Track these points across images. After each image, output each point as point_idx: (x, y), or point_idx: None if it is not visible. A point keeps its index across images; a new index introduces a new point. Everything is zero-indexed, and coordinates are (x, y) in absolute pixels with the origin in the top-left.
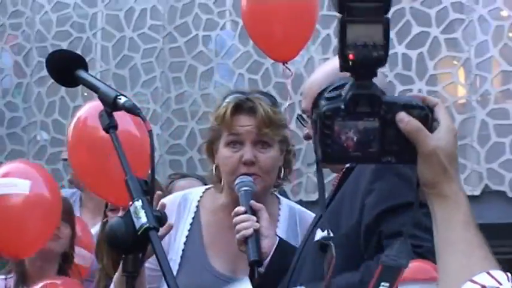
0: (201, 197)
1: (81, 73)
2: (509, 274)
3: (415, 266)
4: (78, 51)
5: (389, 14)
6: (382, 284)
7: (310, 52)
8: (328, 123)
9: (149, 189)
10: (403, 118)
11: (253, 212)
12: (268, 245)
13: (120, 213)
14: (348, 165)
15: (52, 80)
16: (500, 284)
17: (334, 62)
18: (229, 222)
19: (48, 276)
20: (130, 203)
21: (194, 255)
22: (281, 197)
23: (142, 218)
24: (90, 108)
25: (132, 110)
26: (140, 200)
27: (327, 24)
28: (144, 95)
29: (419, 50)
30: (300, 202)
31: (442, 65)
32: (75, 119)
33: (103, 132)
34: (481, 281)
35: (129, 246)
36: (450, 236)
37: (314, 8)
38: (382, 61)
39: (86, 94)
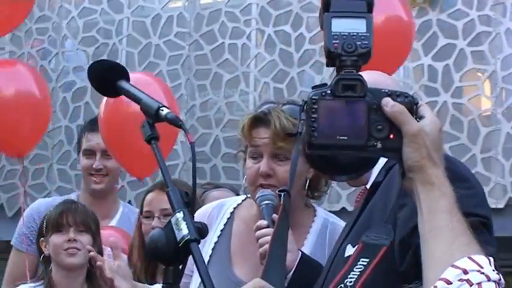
0: (238, 204)
1: (123, 83)
2: (491, 258)
3: None
4: (104, 57)
5: (416, 26)
6: (362, 259)
7: None
8: (314, 107)
9: (190, 201)
10: (388, 102)
11: None
12: (290, 260)
13: (155, 221)
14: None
15: (77, 86)
16: (482, 267)
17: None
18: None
19: (75, 285)
20: (172, 214)
21: (219, 262)
22: (319, 209)
23: (183, 230)
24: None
25: (175, 122)
26: (182, 212)
27: None
28: None
29: (445, 62)
30: None
31: (468, 78)
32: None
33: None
34: (462, 266)
35: (170, 257)
36: (435, 223)
37: None
38: (366, 49)
39: None
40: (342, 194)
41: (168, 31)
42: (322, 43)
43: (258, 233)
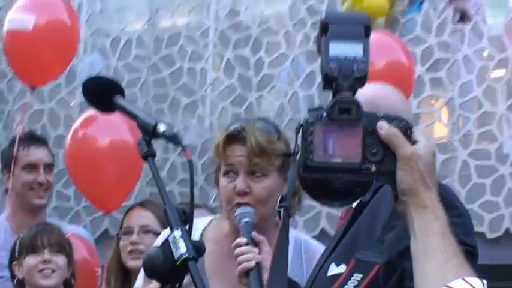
0: (206, 226)
1: (119, 99)
2: (484, 281)
3: None
4: (63, 79)
5: None
6: (355, 274)
7: (294, 88)
8: (310, 130)
9: (187, 219)
10: (383, 125)
11: (255, 243)
12: None
13: (134, 236)
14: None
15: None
16: None
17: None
18: (231, 251)
19: None
20: (169, 232)
21: None
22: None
23: (181, 248)
24: (85, 120)
25: (173, 139)
26: (179, 230)
27: (311, 61)
28: None
29: None
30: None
31: (425, 104)
32: (72, 131)
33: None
34: (456, 286)
35: (168, 276)
36: (428, 245)
37: None
38: (363, 74)
39: None
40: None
41: (126, 54)
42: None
43: (238, 250)
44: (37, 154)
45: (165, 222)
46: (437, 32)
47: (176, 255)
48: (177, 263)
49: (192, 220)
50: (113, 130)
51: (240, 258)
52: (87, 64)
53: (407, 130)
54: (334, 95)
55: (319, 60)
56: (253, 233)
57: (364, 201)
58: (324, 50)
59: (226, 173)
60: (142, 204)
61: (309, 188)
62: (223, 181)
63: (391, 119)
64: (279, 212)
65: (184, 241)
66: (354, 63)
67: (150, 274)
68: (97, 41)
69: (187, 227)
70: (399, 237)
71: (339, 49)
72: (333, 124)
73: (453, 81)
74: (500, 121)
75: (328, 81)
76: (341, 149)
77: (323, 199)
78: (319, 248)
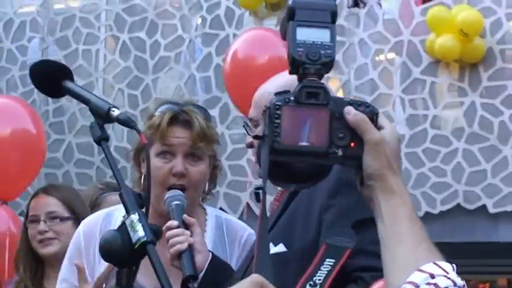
0: None
1: (68, 84)
2: (454, 265)
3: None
4: None
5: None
6: (328, 260)
7: (191, 70)
8: (277, 113)
9: (143, 203)
10: (351, 110)
11: (186, 226)
12: (202, 261)
13: (41, 224)
14: None
15: None
16: (447, 272)
17: (287, 76)
18: None
19: None
20: (126, 216)
21: None
22: (207, 207)
23: (139, 232)
24: None
25: (127, 123)
26: (136, 213)
27: (208, 43)
28: None
29: None
30: None
31: None
32: None
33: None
34: (428, 270)
35: (125, 259)
36: (397, 229)
37: None
38: (330, 59)
39: None
40: None
41: (20, 36)
42: (177, 50)
43: (169, 233)
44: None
45: (71, 207)
46: None
47: (134, 239)
48: (135, 247)
49: (149, 204)
50: (15, 119)
51: (172, 240)
52: None
53: (373, 116)
54: (301, 80)
55: (215, 42)
56: (184, 216)
57: None
58: (291, 35)
59: (161, 153)
60: (46, 191)
61: (269, 170)
62: (157, 161)
63: (357, 104)
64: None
65: (142, 225)
66: (322, 48)
67: (107, 258)
68: None
69: (143, 210)
70: (339, 215)
71: (306, 34)
72: (300, 108)
73: (349, 64)
74: (395, 103)
75: (295, 66)
76: (308, 133)
77: (282, 182)
78: (241, 226)
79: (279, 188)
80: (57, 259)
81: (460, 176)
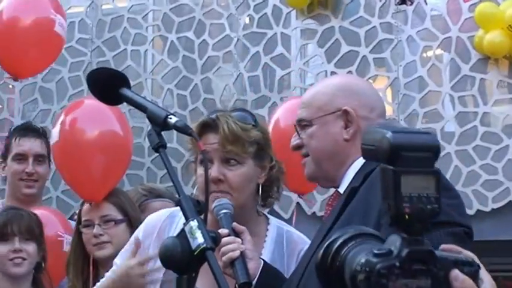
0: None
1: (126, 91)
2: None
3: None
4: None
5: (319, 33)
6: None
7: (240, 69)
8: (383, 282)
9: (202, 209)
10: (458, 276)
11: (236, 234)
12: (254, 268)
13: (96, 228)
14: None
15: None
16: None
17: (345, 79)
18: None
19: None
20: (185, 222)
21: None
22: (271, 217)
23: (198, 239)
24: (72, 109)
25: (185, 130)
26: (196, 220)
27: (256, 42)
28: None
29: (348, 68)
30: None
31: None
32: (59, 122)
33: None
34: None
35: (185, 266)
36: None
37: None
38: (436, 214)
39: None
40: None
41: (69, 37)
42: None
43: (221, 241)
44: (27, 145)
45: (124, 209)
46: (379, 13)
47: (193, 246)
48: (195, 253)
49: (207, 210)
50: (100, 121)
51: (224, 248)
52: None
53: (476, 275)
54: (402, 235)
55: (263, 41)
56: (234, 224)
57: (355, 187)
58: (395, 185)
59: (201, 162)
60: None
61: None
62: (198, 170)
63: (462, 263)
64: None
65: (201, 231)
66: (428, 202)
67: (168, 264)
68: None
69: (202, 217)
70: None
71: (411, 184)
72: (405, 274)
73: (397, 62)
74: (444, 100)
75: (400, 222)
76: None
77: None
78: (302, 239)
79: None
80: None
81: (511, 173)
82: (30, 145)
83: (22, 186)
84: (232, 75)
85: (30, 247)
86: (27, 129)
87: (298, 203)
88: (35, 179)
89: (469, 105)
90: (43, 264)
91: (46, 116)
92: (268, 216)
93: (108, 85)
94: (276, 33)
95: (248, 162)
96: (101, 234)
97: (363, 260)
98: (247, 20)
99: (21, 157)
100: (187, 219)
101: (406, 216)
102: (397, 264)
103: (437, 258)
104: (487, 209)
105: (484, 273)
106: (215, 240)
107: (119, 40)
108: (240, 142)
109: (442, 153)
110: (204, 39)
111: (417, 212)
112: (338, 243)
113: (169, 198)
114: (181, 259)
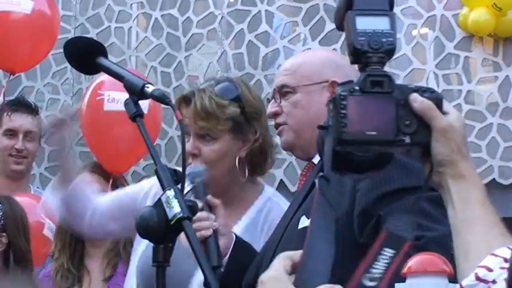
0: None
1: (103, 60)
2: None
3: (425, 258)
4: None
5: (303, 11)
6: (386, 249)
7: (224, 46)
8: (343, 103)
9: (179, 179)
10: (417, 97)
11: (210, 208)
12: (225, 244)
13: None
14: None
15: None
16: None
17: (331, 53)
18: None
19: None
20: (162, 192)
21: None
22: (268, 189)
23: (175, 208)
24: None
25: (162, 99)
26: (172, 189)
27: (241, 19)
28: (55, 86)
29: (332, 46)
30: None
31: None
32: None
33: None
34: (502, 254)
35: (161, 235)
36: (469, 215)
37: None
38: (392, 46)
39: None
40: None
41: None
42: (209, 27)
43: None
44: (18, 121)
45: (114, 184)
46: None
47: (170, 215)
48: (171, 223)
49: (184, 180)
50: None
51: (196, 225)
52: None
53: (438, 101)
54: (363, 69)
55: (247, 19)
56: (209, 197)
57: None
58: (351, 25)
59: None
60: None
61: (331, 160)
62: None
63: (422, 90)
64: (252, 171)
65: (178, 201)
66: (383, 36)
67: (144, 234)
68: None
69: (179, 186)
70: (375, 184)
71: (366, 23)
72: (366, 97)
73: None
74: (429, 78)
75: (357, 55)
76: (375, 122)
77: (342, 172)
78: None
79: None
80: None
81: (494, 152)
82: (22, 121)
83: (11, 162)
84: (216, 53)
85: None
86: (20, 105)
87: (281, 179)
88: (24, 156)
89: (453, 83)
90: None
91: (29, 93)
92: (266, 187)
93: (85, 54)
94: (260, 11)
95: (224, 137)
96: None
97: None
98: None
99: (11, 133)
100: (163, 188)
101: (363, 47)
102: (357, 87)
103: (396, 84)
104: None
105: (450, 108)
106: (192, 209)
107: (103, 17)
108: (212, 118)
109: None
110: (188, 17)
111: (372, 43)
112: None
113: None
114: (157, 229)
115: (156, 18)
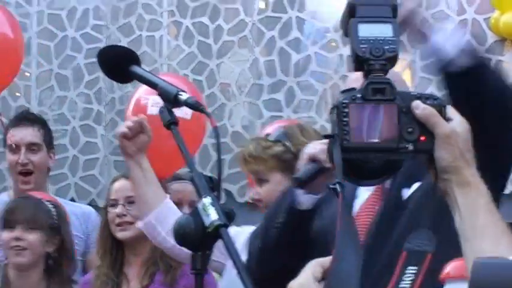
0: None
1: (136, 68)
2: None
3: (462, 263)
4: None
5: None
6: (409, 268)
7: (255, 54)
8: (345, 111)
9: (215, 186)
10: (419, 105)
11: None
12: None
13: (119, 209)
14: None
15: None
16: None
17: None
18: None
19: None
20: (198, 200)
21: None
22: None
23: (212, 215)
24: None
25: (196, 107)
26: (209, 197)
27: (271, 26)
28: (87, 95)
29: None
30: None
31: None
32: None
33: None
34: None
35: (198, 243)
36: (476, 222)
37: None
38: (394, 53)
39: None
40: None
41: (84, 23)
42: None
43: None
44: (19, 134)
45: None
46: None
47: (207, 222)
48: (208, 230)
49: (220, 187)
50: None
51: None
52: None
53: (441, 108)
54: (366, 76)
55: (278, 25)
56: None
57: None
58: (353, 32)
59: None
60: (125, 175)
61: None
62: None
63: (425, 97)
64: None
65: (215, 208)
66: (385, 43)
67: (181, 242)
68: (53, 12)
69: (215, 193)
70: None
71: (368, 30)
72: (367, 104)
73: (413, 45)
74: None
75: (360, 63)
76: (377, 130)
77: (353, 179)
78: None
79: None
80: (137, 243)
81: None
82: (22, 134)
83: (19, 181)
84: (247, 60)
85: (29, 236)
86: (20, 118)
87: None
88: (30, 170)
89: None
90: (59, 260)
91: (62, 102)
92: None
93: (118, 63)
94: (291, 17)
95: (274, 177)
96: (124, 215)
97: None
98: (261, 5)
99: (14, 147)
100: (200, 196)
101: (365, 55)
102: (358, 95)
103: (398, 91)
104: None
105: (455, 113)
106: (229, 216)
107: (134, 26)
108: (258, 161)
109: None
110: (218, 24)
111: (373, 50)
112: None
113: (189, 180)
114: (194, 236)
115: (186, 26)
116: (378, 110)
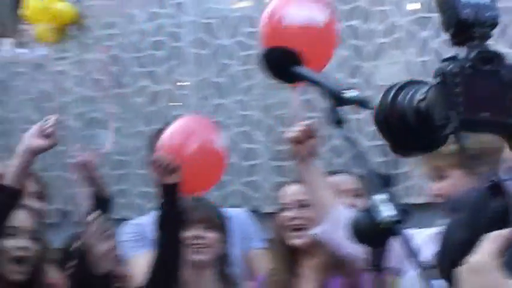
0: None
1: (299, 69)
2: None
3: None
4: (174, 60)
5: None
6: None
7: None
8: (455, 81)
9: (389, 183)
10: None
11: None
12: None
13: (292, 212)
14: None
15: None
16: None
17: None
18: None
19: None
20: (372, 196)
21: None
22: None
23: (385, 212)
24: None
25: (364, 104)
26: (382, 193)
27: (423, 28)
28: (245, 101)
29: None
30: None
31: None
32: None
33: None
34: None
35: (372, 239)
36: None
37: None
38: (496, 20)
39: None
40: None
41: (237, 31)
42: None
43: None
44: None
45: None
46: None
47: (380, 219)
48: (381, 226)
49: (390, 183)
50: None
51: None
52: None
53: None
54: (463, 43)
55: (430, 27)
56: None
57: None
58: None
59: None
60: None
61: (391, 136)
62: None
63: None
64: None
65: (388, 204)
66: (486, 9)
67: (357, 237)
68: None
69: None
70: None
71: None
72: (479, 75)
73: None
74: None
75: (461, 28)
76: (488, 102)
77: (408, 150)
78: None
79: None
80: (312, 248)
81: None
82: None
83: None
84: (400, 62)
85: (212, 235)
86: None
87: None
88: None
89: None
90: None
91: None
92: None
93: (281, 63)
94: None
95: (454, 174)
96: (297, 218)
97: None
98: (412, 6)
99: None
100: (373, 192)
101: (469, 19)
102: (467, 64)
103: (507, 62)
104: None
105: None
106: (404, 213)
107: None
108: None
109: None
110: (371, 26)
111: (479, 16)
112: (393, 91)
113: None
114: (368, 232)
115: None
116: (487, 81)
